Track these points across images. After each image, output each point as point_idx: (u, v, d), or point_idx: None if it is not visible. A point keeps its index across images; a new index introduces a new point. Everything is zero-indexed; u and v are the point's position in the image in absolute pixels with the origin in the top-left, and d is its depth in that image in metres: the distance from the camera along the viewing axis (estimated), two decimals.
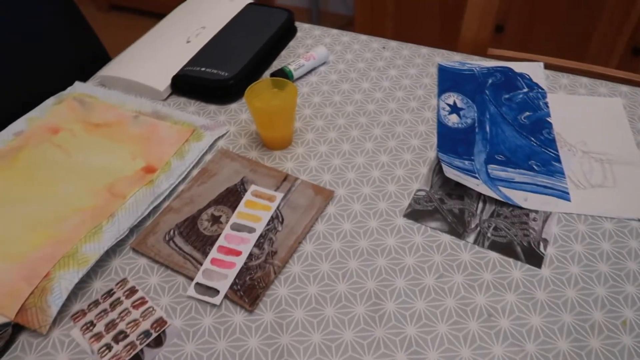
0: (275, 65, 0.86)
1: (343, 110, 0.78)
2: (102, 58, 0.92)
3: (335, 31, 0.94)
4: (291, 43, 0.92)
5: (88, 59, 0.90)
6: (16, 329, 0.53)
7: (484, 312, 0.53)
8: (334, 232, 0.61)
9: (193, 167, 0.70)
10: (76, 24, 0.92)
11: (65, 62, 0.87)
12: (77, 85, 0.83)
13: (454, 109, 0.75)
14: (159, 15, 1.24)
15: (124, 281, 0.58)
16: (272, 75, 0.82)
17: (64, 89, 0.82)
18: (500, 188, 0.64)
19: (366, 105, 0.78)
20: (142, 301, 0.56)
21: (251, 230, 0.61)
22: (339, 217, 0.63)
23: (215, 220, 0.63)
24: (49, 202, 0.63)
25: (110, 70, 0.84)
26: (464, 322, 0.52)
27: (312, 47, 0.90)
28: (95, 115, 0.77)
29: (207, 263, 0.58)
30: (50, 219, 0.61)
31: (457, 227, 0.61)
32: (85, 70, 0.87)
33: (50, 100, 0.80)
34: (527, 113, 0.73)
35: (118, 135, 0.73)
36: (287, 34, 0.92)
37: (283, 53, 0.89)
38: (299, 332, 0.53)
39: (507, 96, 0.76)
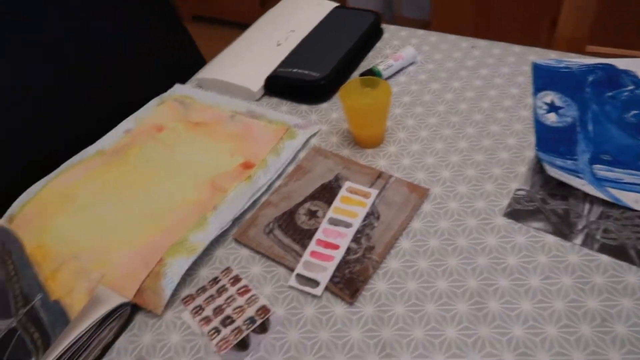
0: (363, 66, 0.88)
1: (434, 109, 0.77)
2: (198, 62, 0.98)
3: (421, 32, 0.94)
4: (378, 44, 0.93)
5: (186, 63, 0.96)
6: (134, 309, 0.57)
7: (597, 317, 0.51)
8: (431, 229, 0.61)
9: (288, 164, 0.72)
10: (176, 32, 0.97)
11: (167, 66, 0.93)
12: (177, 87, 0.88)
13: (552, 107, 0.73)
14: (238, 25, 1.29)
15: (228, 269, 0.61)
16: (362, 75, 0.83)
17: (165, 90, 0.88)
18: (609, 189, 0.61)
19: (458, 104, 0.78)
20: (246, 289, 0.58)
21: (348, 225, 0.62)
22: (435, 214, 0.63)
23: (312, 214, 0.64)
24: (158, 195, 0.67)
25: (206, 72, 0.88)
26: (575, 326, 0.50)
27: (399, 48, 0.91)
28: (195, 115, 0.81)
29: (306, 255, 0.60)
30: (160, 210, 0.65)
31: (563, 228, 0.58)
32: (184, 73, 0.93)
33: (154, 102, 0.85)
34: (634, 111, 0.69)
35: (216, 133, 0.77)
36: (373, 35, 0.93)
37: (370, 54, 0.90)
38: (400, 327, 0.53)
39: (610, 94, 0.73)
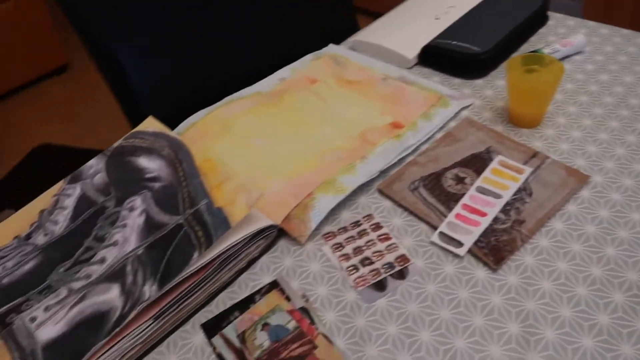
0: (524, 49, 0.84)
1: (600, 100, 0.73)
2: (352, 28, 1.00)
3: (592, 23, 0.89)
4: (541, 30, 0.89)
5: (342, 27, 0.99)
6: (279, 234, 0.61)
7: None
8: (588, 216, 0.58)
9: (437, 131, 0.72)
10: None
11: (323, 27, 0.96)
12: (331, 47, 0.91)
13: None
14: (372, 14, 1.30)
15: (370, 216, 0.62)
16: None
17: (319, 49, 0.91)
18: None
19: (629, 98, 0.72)
20: (387, 237, 0.59)
21: (497, 196, 0.61)
22: (595, 202, 0.59)
23: (460, 180, 0.64)
24: (311, 139, 0.71)
25: (362, 36, 0.90)
26: None
27: (565, 36, 0.86)
28: (348, 73, 0.83)
29: (451, 216, 0.59)
30: (311, 151, 0.68)
31: None
32: (339, 36, 0.96)
33: (309, 57, 0.89)
34: None
35: (368, 92, 0.79)
36: (538, 20, 0.89)
37: (532, 39, 0.87)
38: (546, 302, 0.51)
39: None
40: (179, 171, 0.63)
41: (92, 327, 0.50)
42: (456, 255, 0.56)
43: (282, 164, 0.66)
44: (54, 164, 1.97)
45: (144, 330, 0.51)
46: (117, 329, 0.49)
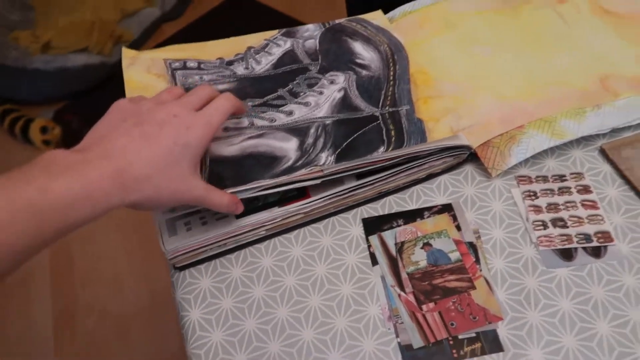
0: None
1: None
2: None
3: None
4: None
5: None
6: (470, 157, 0.55)
7: None
8: None
9: None
10: None
11: None
12: None
13: None
14: None
15: (579, 175, 0.53)
16: None
17: None
18: None
19: None
20: (593, 205, 0.50)
21: None
22: None
23: None
24: (541, 63, 0.60)
25: None
26: None
27: None
28: (608, 1, 0.68)
29: None
30: (539, 78, 0.58)
31: None
32: None
33: None
34: None
35: (628, 30, 0.63)
36: None
37: None
38: None
39: None
40: (390, 70, 0.58)
41: (262, 164, 0.50)
42: None
43: (500, 82, 0.58)
44: (246, 16, 2.05)
45: (310, 202, 0.51)
46: (283, 177, 0.48)
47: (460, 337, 0.44)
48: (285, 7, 2.06)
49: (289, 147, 0.52)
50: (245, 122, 0.54)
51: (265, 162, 0.50)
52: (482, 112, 0.55)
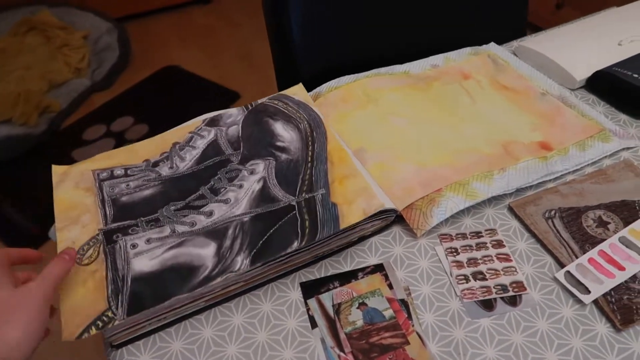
0: None
1: None
2: (519, 31, 0.94)
3: None
4: None
5: (508, 27, 0.93)
6: (396, 219, 0.59)
7: None
8: None
9: (589, 164, 0.66)
10: None
11: (489, 25, 0.91)
12: (492, 46, 0.86)
13: None
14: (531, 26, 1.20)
15: (493, 231, 0.59)
16: None
17: (479, 44, 0.87)
18: None
19: None
20: (507, 258, 0.56)
21: None
22: None
23: (602, 224, 0.58)
24: (452, 134, 0.68)
25: (529, 43, 0.84)
26: None
27: None
28: (504, 78, 0.78)
29: (583, 259, 0.55)
30: (452, 146, 0.65)
31: None
32: (501, 36, 0.90)
33: (467, 50, 0.85)
34: None
35: (522, 103, 0.73)
36: None
37: None
38: None
39: None
40: (308, 150, 0.63)
41: (180, 277, 0.51)
42: (579, 301, 0.52)
43: (417, 151, 0.64)
44: (177, 85, 2.10)
45: (247, 271, 0.52)
46: (200, 289, 0.50)
47: None
48: (216, 76, 2.13)
49: (207, 254, 0.53)
50: (167, 230, 0.56)
51: (183, 275, 0.51)
52: (402, 178, 0.61)
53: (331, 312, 0.51)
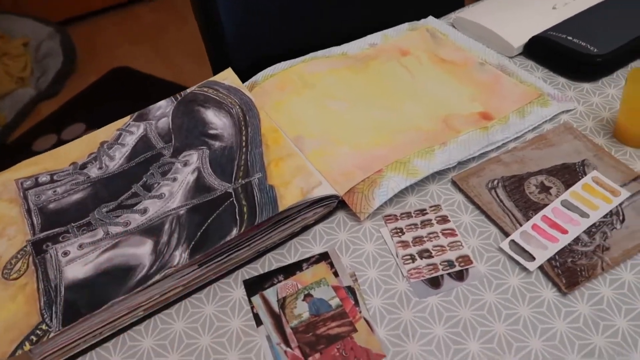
0: None
1: None
2: (457, 3, 0.93)
3: None
4: None
5: (447, 2, 0.92)
6: (339, 205, 0.58)
7: None
8: None
9: (529, 131, 0.65)
10: None
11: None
12: (430, 20, 0.85)
13: None
14: None
15: (437, 207, 0.58)
16: None
17: (417, 19, 0.85)
18: None
19: None
20: (452, 232, 0.55)
21: (583, 214, 0.55)
22: None
23: (544, 189, 0.58)
24: (391, 112, 0.66)
25: (466, 14, 0.83)
26: None
27: None
28: (443, 51, 0.77)
29: (527, 226, 0.54)
30: (390, 125, 0.64)
31: None
32: (439, 9, 0.89)
33: (405, 26, 0.83)
34: None
35: (461, 75, 0.73)
36: None
37: None
38: (617, 342, 0.45)
39: None
40: (242, 135, 0.61)
41: (116, 280, 0.49)
42: (524, 269, 0.51)
43: (356, 133, 0.63)
44: (129, 87, 2.03)
45: (187, 274, 0.50)
46: (139, 289, 0.48)
47: None
48: (169, 74, 2.07)
49: (143, 252, 0.51)
50: (100, 233, 0.53)
51: (120, 277, 0.49)
52: (343, 162, 0.59)
53: (276, 307, 0.50)
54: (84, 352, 0.48)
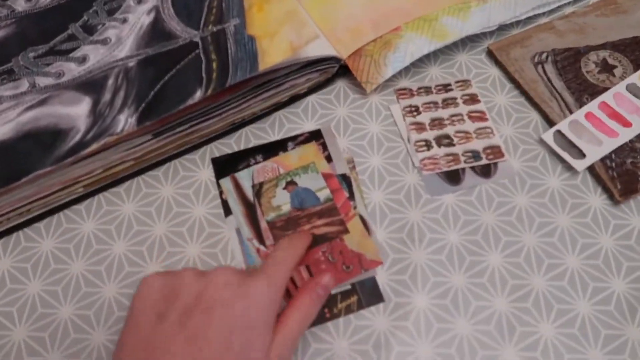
0: None
1: None
2: None
3: None
4: None
5: None
6: (341, 71, 0.45)
7: None
8: None
9: None
10: None
11: None
12: None
13: None
14: None
15: (466, 83, 0.45)
16: None
17: None
18: None
19: None
20: (482, 116, 0.43)
21: None
22: None
23: (607, 69, 0.45)
24: None
25: None
26: None
27: None
28: None
29: (579, 114, 0.42)
30: None
31: None
32: None
33: None
34: None
35: None
36: None
37: None
38: None
39: None
40: None
41: (41, 145, 0.37)
42: (570, 168, 0.40)
43: None
44: None
45: (139, 145, 0.39)
46: (70, 159, 0.36)
47: (333, 292, 0.36)
48: None
49: (79, 112, 0.38)
50: (24, 84, 0.40)
51: (46, 142, 0.37)
52: (348, 16, 0.45)
53: (250, 194, 0.39)
54: (8, 231, 0.39)
